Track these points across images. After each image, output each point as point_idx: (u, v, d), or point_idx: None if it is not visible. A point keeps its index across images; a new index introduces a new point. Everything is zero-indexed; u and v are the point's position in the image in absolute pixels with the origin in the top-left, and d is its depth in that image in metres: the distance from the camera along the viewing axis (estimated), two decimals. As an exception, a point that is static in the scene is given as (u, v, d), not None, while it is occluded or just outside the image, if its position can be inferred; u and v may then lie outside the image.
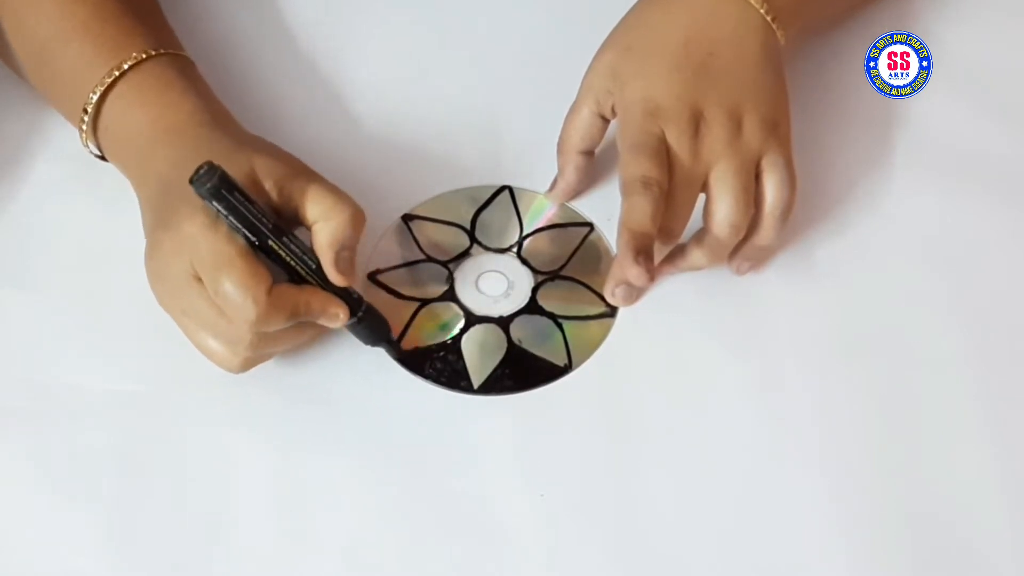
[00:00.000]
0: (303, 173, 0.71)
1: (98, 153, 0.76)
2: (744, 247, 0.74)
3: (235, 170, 0.67)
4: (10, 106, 0.82)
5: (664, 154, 0.71)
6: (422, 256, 0.78)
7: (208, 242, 0.67)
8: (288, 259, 0.69)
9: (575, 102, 0.76)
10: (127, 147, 0.74)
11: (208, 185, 0.66)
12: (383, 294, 0.76)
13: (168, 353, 0.73)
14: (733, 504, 0.69)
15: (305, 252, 0.70)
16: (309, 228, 0.70)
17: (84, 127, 0.74)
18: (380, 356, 0.74)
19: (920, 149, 0.82)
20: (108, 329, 0.74)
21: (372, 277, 0.77)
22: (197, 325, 0.69)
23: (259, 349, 0.69)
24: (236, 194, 0.66)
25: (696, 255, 0.74)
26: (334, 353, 0.74)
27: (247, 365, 0.70)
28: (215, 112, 0.75)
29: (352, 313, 0.71)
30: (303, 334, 0.72)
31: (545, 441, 0.71)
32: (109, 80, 0.73)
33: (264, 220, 0.68)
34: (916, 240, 0.78)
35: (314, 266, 0.70)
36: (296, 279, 0.70)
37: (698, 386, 0.73)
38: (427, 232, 0.79)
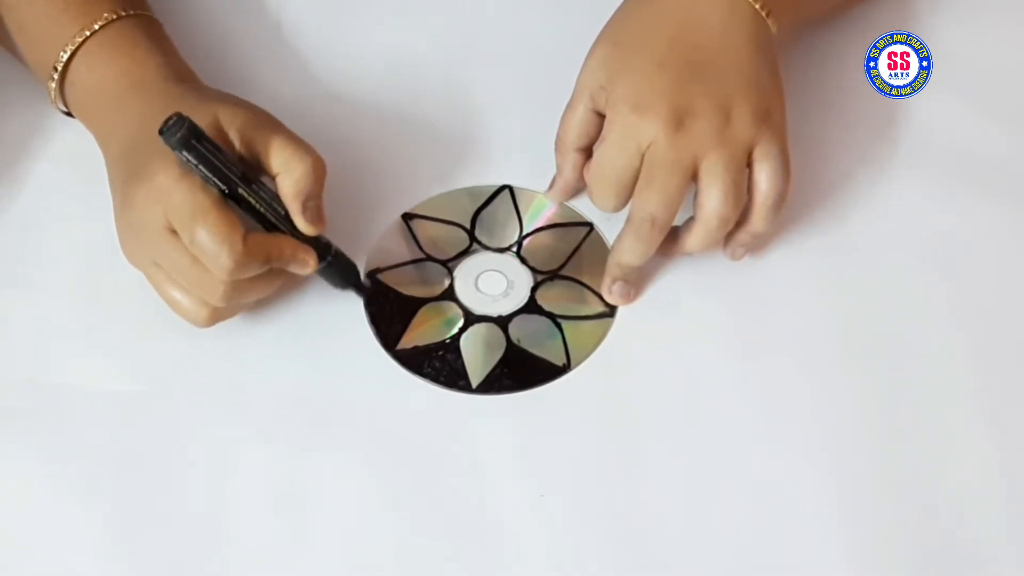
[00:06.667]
0: (267, 123, 0.72)
1: (65, 110, 0.77)
2: (738, 234, 0.75)
3: (200, 120, 0.68)
4: (10, 106, 0.82)
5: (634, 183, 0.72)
6: (422, 255, 0.78)
7: (182, 193, 0.68)
8: (258, 206, 0.70)
9: (571, 99, 0.76)
10: (93, 103, 0.75)
11: (177, 135, 0.67)
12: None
13: (168, 353, 0.74)
14: (733, 503, 0.69)
15: (273, 199, 0.71)
16: (273, 177, 0.71)
17: (53, 84, 0.75)
18: (379, 355, 0.74)
19: (920, 149, 0.81)
20: (108, 329, 0.75)
21: (372, 276, 0.77)
22: (169, 277, 0.70)
23: (231, 299, 0.70)
24: (205, 143, 0.68)
25: (687, 242, 0.74)
26: (333, 352, 0.74)
27: (214, 318, 0.71)
28: (180, 69, 0.76)
29: (321, 258, 0.72)
30: (273, 283, 0.72)
31: (544, 440, 0.71)
32: (80, 39, 0.74)
33: (233, 168, 0.69)
34: (916, 240, 0.78)
35: (283, 212, 0.71)
36: (266, 226, 0.71)
37: (697, 386, 0.73)
38: (427, 231, 0.79)
